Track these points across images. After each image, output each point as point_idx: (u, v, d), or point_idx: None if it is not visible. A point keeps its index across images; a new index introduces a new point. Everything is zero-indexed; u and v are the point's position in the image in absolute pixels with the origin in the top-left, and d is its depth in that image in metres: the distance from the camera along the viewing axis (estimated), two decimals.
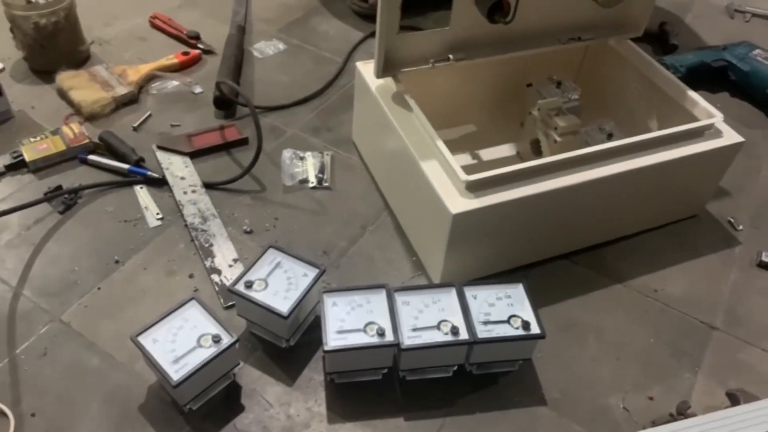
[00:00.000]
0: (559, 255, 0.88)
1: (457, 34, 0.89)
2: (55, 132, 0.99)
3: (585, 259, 0.89)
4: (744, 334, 0.81)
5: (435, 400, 0.73)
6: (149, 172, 0.95)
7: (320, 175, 0.97)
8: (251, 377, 0.74)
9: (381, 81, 0.89)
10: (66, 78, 1.08)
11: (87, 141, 0.98)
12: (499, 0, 0.83)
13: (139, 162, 0.96)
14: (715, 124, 0.86)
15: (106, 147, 0.99)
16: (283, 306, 0.71)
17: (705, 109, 0.87)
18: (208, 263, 0.85)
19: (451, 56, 0.90)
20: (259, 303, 0.71)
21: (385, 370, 0.73)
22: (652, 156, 0.83)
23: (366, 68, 0.93)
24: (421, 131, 0.83)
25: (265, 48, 1.22)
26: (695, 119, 0.87)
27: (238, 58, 1.16)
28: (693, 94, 0.90)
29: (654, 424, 0.70)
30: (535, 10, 0.90)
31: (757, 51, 1.18)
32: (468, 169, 0.77)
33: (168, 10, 1.29)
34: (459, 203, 0.75)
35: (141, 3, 1.31)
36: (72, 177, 0.95)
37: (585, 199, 0.83)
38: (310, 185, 0.96)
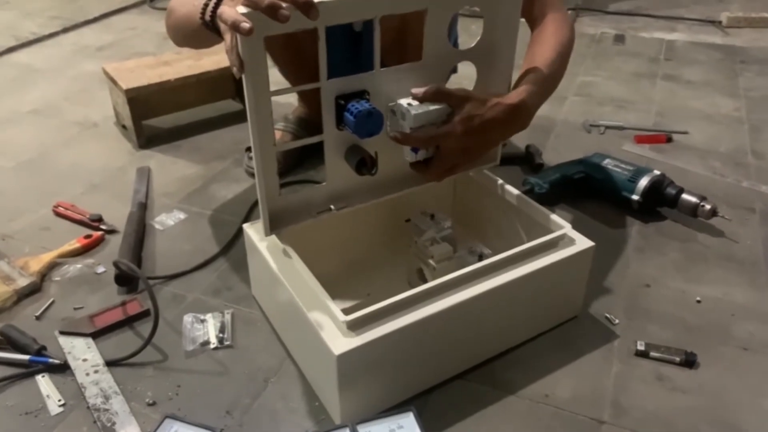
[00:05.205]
0: (454, 375, 0.93)
1: (334, 187, 0.99)
2: None
3: (478, 375, 0.93)
4: (629, 423, 0.86)
5: None
6: (51, 360, 0.96)
7: (221, 335, 1.00)
8: None
9: (267, 239, 0.96)
10: None
11: None
12: (363, 157, 0.95)
13: (40, 351, 0.98)
14: (567, 233, 0.97)
15: (6, 340, 1.00)
16: None
17: (556, 221, 0.98)
18: None
19: (332, 207, 0.99)
20: None
21: None
22: (516, 270, 0.92)
23: (252, 229, 1.00)
24: (305, 279, 0.89)
25: (166, 220, 1.29)
26: (550, 232, 0.98)
27: (139, 234, 1.22)
28: (544, 210, 1.01)
29: None
30: (396, 159, 1.01)
31: (607, 160, 1.33)
32: (361, 305, 0.83)
33: (72, 198, 1.36)
34: (341, 344, 0.80)
35: (45, 195, 1.38)
36: None
37: (465, 318, 0.89)
38: (212, 346, 0.99)
